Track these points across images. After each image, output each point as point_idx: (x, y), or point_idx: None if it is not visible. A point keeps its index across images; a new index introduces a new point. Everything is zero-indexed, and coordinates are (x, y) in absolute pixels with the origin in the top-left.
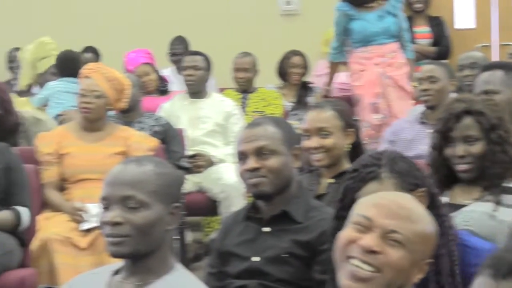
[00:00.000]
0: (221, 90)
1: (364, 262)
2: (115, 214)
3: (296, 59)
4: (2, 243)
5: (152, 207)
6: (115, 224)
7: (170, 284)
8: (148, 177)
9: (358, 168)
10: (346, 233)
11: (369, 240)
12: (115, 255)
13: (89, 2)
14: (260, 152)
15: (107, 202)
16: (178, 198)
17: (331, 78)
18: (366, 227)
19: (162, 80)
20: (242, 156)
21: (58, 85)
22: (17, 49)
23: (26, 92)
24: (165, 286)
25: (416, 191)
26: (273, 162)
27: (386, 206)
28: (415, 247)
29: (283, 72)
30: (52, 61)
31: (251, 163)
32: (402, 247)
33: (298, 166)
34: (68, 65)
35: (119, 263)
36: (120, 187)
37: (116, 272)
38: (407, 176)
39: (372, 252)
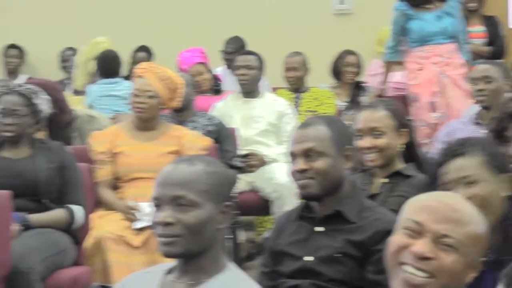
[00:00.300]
0: (274, 89)
1: (418, 268)
2: (166, 214)
3: (350, 59)
4: (56, 241)
5: (203, 206)
6: (167, 224)
7: (222, 283)
8: (199, 176)
9: (448, 146)
10: (397, 239)
11: (421, 246)
12: (167, 255)
13: (143, 1)
14: (308, 154)
15: (158, 202)
16: (229, 197)
17: (385, 77)
18: (417, 232)
19: (216, 80)
20: (293, 157)
21: (97, 90)
22: (70, 48)
23: (81, 92)
24: (217, 286)
25: (504, 175)
26: (320, 164)
27: (436, 209)
28: (468, 249)
29: (337, 72)
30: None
31: (299, 164)
32: (455, 251)
33: (349, 166)
34: (107, 65)
35: (171, 262)
36: (171, 187)
37: (169, 272)
38: (496, 157)
39: (425, 258)
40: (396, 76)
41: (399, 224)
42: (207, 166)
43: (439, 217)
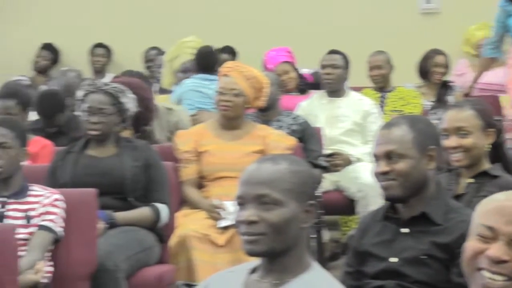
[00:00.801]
0: (360, 89)
1: (495, 272)
2: (250, 212)
3: (439, 59)
4: (142, 239)
5: (287, 205)
6: (250, 222)
7: (306, 283)
8: (283, 175)
9: None
10: (471, 244)
11: (496, 250)
12: (251, 254)
13: (229, 1)
14: (389, 156)
15: (242, 201)
16: (313, 196)
17: (480, 74)
18: (490, 237)
19: (302, 79)
20: (375, 158)
21: (191, 83)
22: (153, 48)
23: (166, 91)
24: (301, 285)
25: None
26: (401, 166)
27: (507, 211)
28: None
29: (424, 71)
30: (183, 59)
31: (381, 166)
32: None
33: (433, 167)
34: (204, 61)
35: (255, 261)
36: (255, 186)
37: (253, 271)
38: None
39: (501, 261)
40: (488, 76)
41: (472, 228)
42: (291, 165)
43: (511, 218)
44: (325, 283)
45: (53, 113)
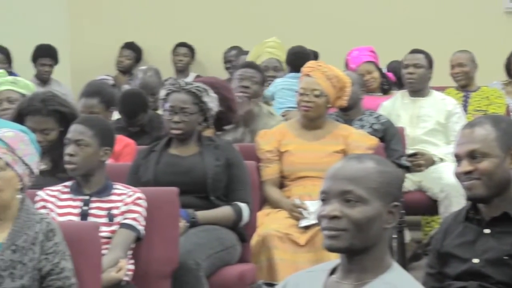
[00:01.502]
0: (442, 89)
1: None
2: (333, 207)
3: None
4: (223, 238)
5: (371, 203)
6: (333, 217)
7: (386, 283)
8: (369, 174)
9: None
10: None
11: None
12: (331, 249)
13: (311, 1)
14: (472, 155)
15: (326, 196)
16: (398, 197)
17: None
18: None
19: (385, 79)
20: (457, 158)
21: (283, 82)
22: (234, 48)
23: None
24: (381, 285)
25: None
26: (485, 165)
27: None
28: None
29: (511, 70)
30: (263, 59)
31: (464, 166)
32: None
33: None
34: (296, 59)
35: (335, 260)
36: (340, 182)
37: (332, 272)
38: None
39: None
40: None
41: None
42: (378, 164)
43: None
44: (405, 284)
45: (136, 112)
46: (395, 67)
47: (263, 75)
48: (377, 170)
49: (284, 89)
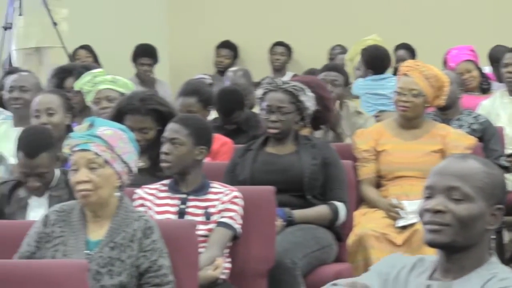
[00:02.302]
0: None
1: None
2: (438, 201)
3: None
4: (319, 237)
5: (476, 202)
6: (437, 211)
7: (481, 274)
8: (476, 173)
9: None
10: None
11: None
12: (432, 244)
13: None
14: None
15: (430, 191)
16: (501, 200)
17: None
18: None
19: (485, 78)
20: None
21: (364, 86)
22: (338, 46)
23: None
24: (483, 272)
25: None
26: None
27: None
28: None
29: None
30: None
31: None
32: None
33: None
34: (372, 60)
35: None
36: (447, 178)
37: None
38: None
39: None
40: None
41: None
42: (484, 166)
43: None
44: (508, 273)
45: (232, 111)
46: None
47: (346, 76)
48: (483, 170)
49: (367, 94)
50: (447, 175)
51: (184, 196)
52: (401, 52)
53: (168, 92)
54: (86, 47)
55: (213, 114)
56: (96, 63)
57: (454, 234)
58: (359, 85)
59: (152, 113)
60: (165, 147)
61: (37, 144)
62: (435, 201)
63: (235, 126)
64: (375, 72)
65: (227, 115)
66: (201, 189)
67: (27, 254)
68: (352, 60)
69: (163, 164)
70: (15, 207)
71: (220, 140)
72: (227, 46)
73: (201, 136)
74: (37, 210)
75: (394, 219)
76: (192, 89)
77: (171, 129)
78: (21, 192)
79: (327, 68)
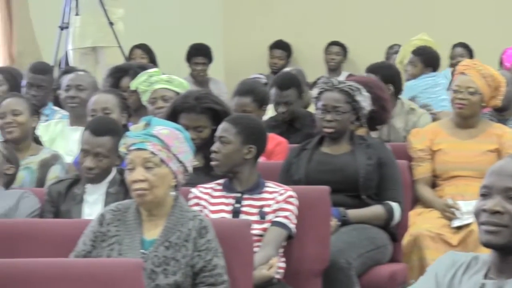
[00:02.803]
0: None
1: None
2: (496, 202)
3: None
4: (374, 237)
5: None
6: (495, 212)
7: None
8: None
9: None
10: None
11: None
12: (488, 245)
13: None
14: None
15: (488, 191)
16: None
17: None
18: None
19: None
20: None
21: (417, 85)
22: (396, 45)
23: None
24: None
25: None
26: None
27: None
28: None
29: None
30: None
31: None
32: None
33: None
34: (429, 59)
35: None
36: (505, 178)
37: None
38: None
39: None
40: None
41: None
42: None
43: None
44: None
45: (288, 86)
46: None
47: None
48: None
49: (421, 93)
50: (505, 175)
51: (238, 195)
52: (459, 50)
53: (223, 90)
54: (142, 47)
55: (269, 113)
56: (152, 62)
57: (510, 235)
58: (411, 85)
59: (207, 112)
60: (214, 146)
61: (104, 125)
62: (492, 201)
63: (288, 117)
64: (434, 69)
65: (283, 89)
66: (255, 188)
67: (83, 253)
68: (401, 63)
69: (212, 163)
70: (71, 204)
71: (275, 140)
72: (280, 46)
73: (250, 135)
74: (92, 206)
75: (450, 219)
76: (247, 89)
77: (221, 128)
78: (77, 189)
79: (369, 70)
